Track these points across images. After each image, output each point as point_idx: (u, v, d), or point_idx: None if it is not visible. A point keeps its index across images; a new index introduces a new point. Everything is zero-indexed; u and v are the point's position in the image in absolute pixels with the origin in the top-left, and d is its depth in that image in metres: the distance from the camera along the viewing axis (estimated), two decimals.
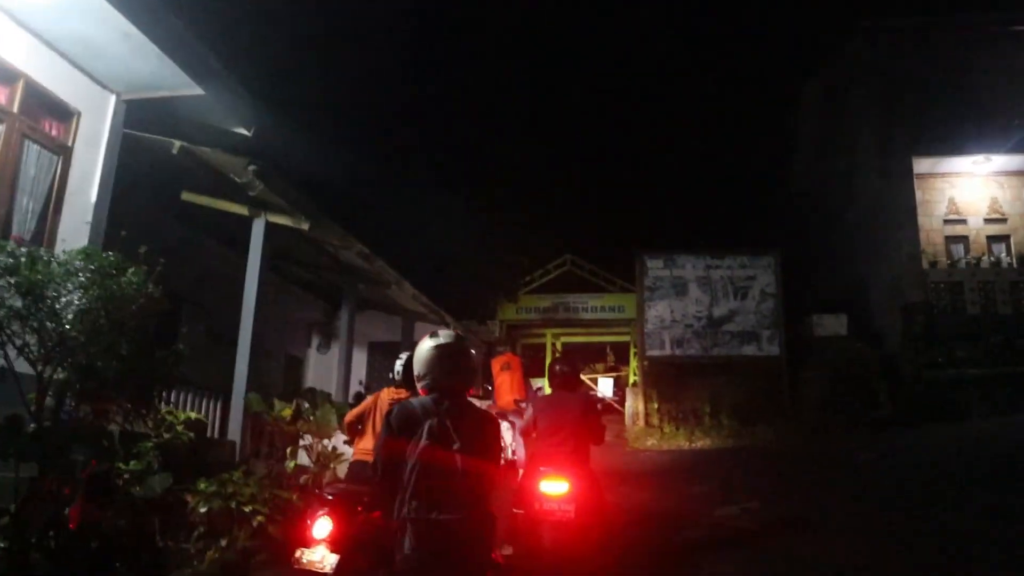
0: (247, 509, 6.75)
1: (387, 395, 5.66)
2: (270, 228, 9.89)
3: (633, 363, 21.48)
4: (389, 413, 3.41)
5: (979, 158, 17.26)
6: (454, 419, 3.40)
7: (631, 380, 21.39)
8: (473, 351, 3.82)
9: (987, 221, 17.94)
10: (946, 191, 18.11)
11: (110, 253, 5.30)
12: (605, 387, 27.92)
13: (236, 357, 9.24)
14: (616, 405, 23.42)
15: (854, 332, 17.30)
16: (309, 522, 4.78)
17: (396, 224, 16.80)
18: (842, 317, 17.62)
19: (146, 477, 7.02)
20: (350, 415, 5.85)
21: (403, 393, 5.58)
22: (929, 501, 8.03)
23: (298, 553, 4.70)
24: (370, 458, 5.37)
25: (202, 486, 6.80)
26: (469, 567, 3.31)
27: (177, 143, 8.30)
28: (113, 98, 8.31)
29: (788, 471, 11.40)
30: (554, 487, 6.09)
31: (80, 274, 4.88)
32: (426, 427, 3.31)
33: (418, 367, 3.59)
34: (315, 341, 17.09)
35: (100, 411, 5.38)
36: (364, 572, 4.85)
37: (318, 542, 4.69)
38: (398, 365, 5.67)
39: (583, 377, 26.65)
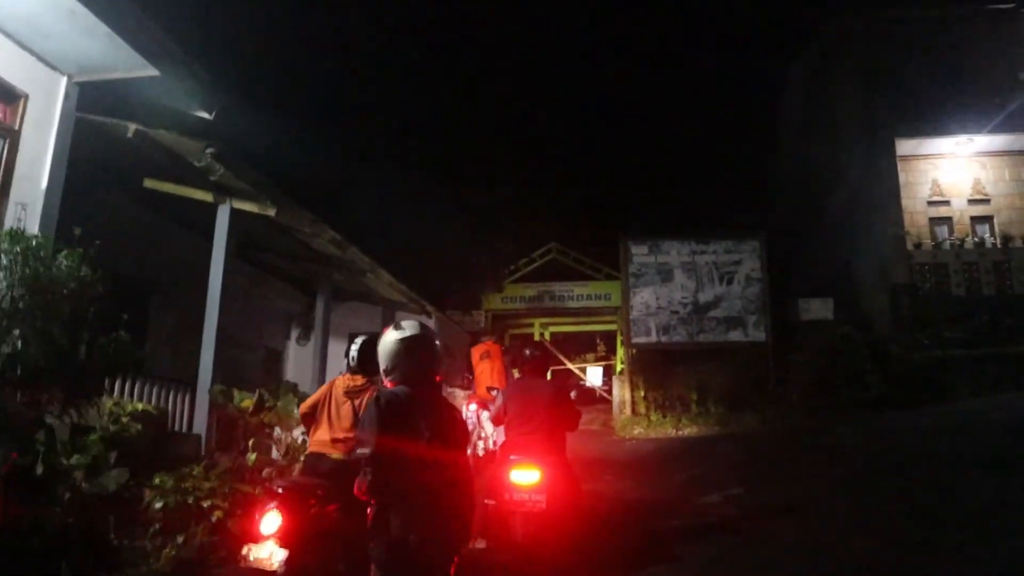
0: (205, 504, 6.46)
1: (341, 382, 5.37)
2: (237, 215, 9.56)
3: (620, 351, 21.24)
4: (378, 402, 3.43)
5: (962, 139, 17.10)
6: (429, 410, 3.52)
7: (618, 369, 21.15)
8: (438, 341, 3.83)
9: (971, 202, 17.81)
10: (929, 172, 17.96)
11: (37, 235, 4.96)
12: (594, 376, 27.76)
13: (201, 348, 8.92)
14: (605, 394, 23.24)
15: (841, 316, 17.11)
16: (257, 517, 4.50)
17: (375, 212, 16.47)
18: (828, 301, 17.43)
19: (100, 472, 6.77)
20: (304, 405, 5.55)
21: (358, 379, 5.31)
22: (916, 484, 7.81)
23: (245, 550, 4.43)
24: (327, 450, 5.12)
25: (157, 481, 6.50)
26: (445, 554, 3.42)
27: (132, 126, 7.97)
28: (64, 80, 7.96)
29: (774, 457, 11.19)
30: (525, 476, 5.83)
31: (2, 256, 4.55)
32: (408, 416, 3.42)
33: (385, 360, 3.63)
34: (294, 333, 16.78)
35: (32, 401, 5.05)
36: (315, 569, 4.59)
37: (267, 538, 4.42)
38: (353, 350, 5.39)
39: (571, 366, 26.47)
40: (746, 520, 7.39)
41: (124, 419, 6.29)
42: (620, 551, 6.38)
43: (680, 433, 15.11)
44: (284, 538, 4.41)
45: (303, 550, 4.47)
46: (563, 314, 23.33)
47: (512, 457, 6.02)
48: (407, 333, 3.66)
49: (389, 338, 3.66)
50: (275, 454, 8.93)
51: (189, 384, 9.41)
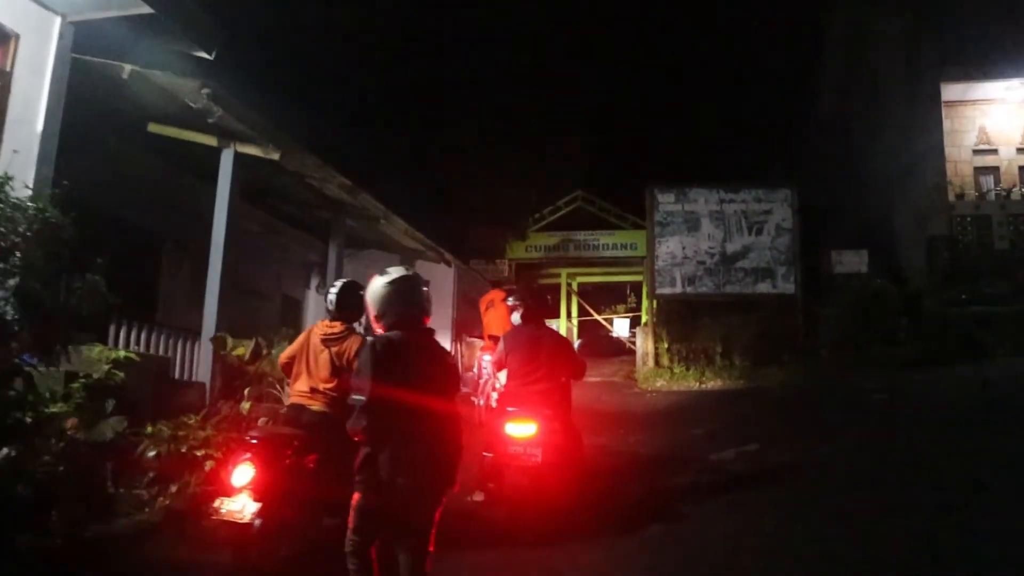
0: (199, 454, 6.39)
1: (319, 330, 5.16)
2: (244, 161, 9.35)
3: (645, 302, 20.87)
4: (373, 348, 3.49)
5: (1014, 83, 16.14)
6: (423, 354, 3.60)
7: (644, 320, 20.81)
8: (425, 288, 3.88)
9: (1019, 151, 16.86)
10: (976, 119, 17.04)
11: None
12: (621, 327, 27.51)
13: (205, 295, 8.81)
14: (632, 345, 22.94)
15: (875, 269, 16.54)
16: (230, 468, 4.36)
17: (393, 157, 16.15)
18: (863, 253, 16.83)
19: (97, 420, 6.73)
20: (283, 355, 5.37)
21: (336, 326, 5.09)
22: (940, 448, 7.44)
23: (217, 502, 4.29)
24: (307, 401, 4.94)
25: (150, 429, 6.44)
26: (437, 489, 3.51)
27: (128, 67, 7.73)
28: (58, 20, 7.68)
29: (795, 413, 10.88)
30: (520, 429, 5.64)
31: None
32: (402, 359, 3.48)
33: (376, 306, 3.69)
34: (314, 282, 16.67)
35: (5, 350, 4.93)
36: (290, 521, 4.45)
37: (239, 490, 4.28)
38: (332, 295, 5.17)
39: (599, 317, 26.20)
40: (755, 479, 7.12)
41: (105, 367, 6.14)
42: (619, 508, 6.18)
43: (703, 386, 14.79)
44: (257, 490, 4.28)
45: (277, 502, 4.33)
46: (590, 264, 22.96)
47: (509, 409, 5.82)
48: (394, 276, 3.71)
49: (377, 283, 3.70)
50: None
51: (198, 333, 9.36)
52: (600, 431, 9.99)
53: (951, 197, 15.90)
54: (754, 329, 15.88)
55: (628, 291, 30.72)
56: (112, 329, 8.70)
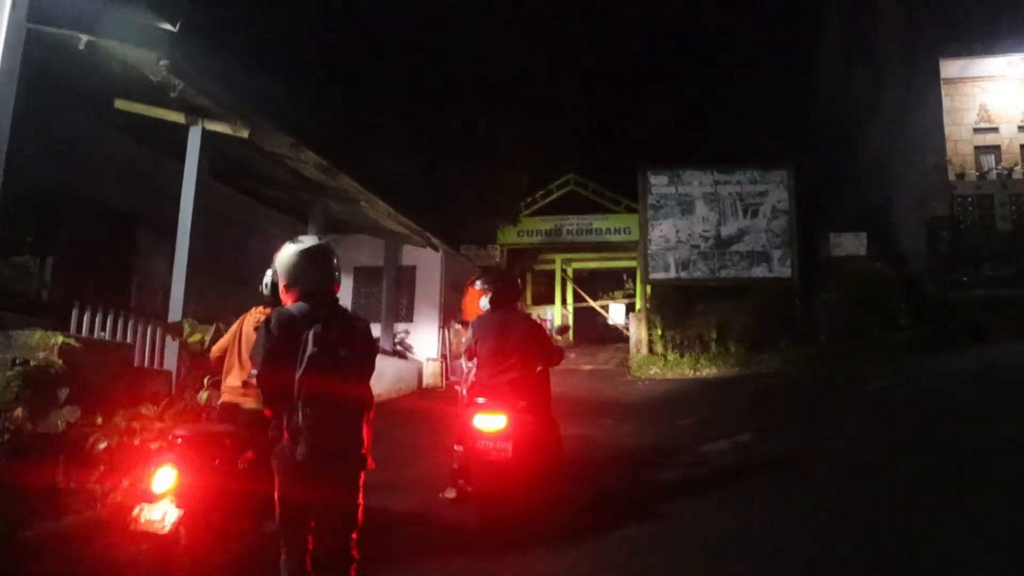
0: (153, 446, 6.00)
1: (253, 316, 4.76)
2: (214, 139, 8.93)
3: (639, 288, 20.46)
4: (268, 321, 3.31)
5: (1015, 58, 15.67)
6: (336, 324, 3.38)
7: (638, 306, 20.42)
8: (336, 259, 3.71)
9: (1021, 129, 16.40)
10: (976, 96, 16.59)
11: None
12: (617, 313, 27.09)
13: (172, 280, 8.41)
14: (627, 332, 22.56)
15: (874, 252, 16.13)
16: (150, 471, 3.95)
17: (381, 140, 15.68)
18: (861, 236, 16.42)
19: (49, 411, 6.37)
20: (215, 348, 4.94)
21: (270, 311, 4.68)
22: (941, 435, 7.07)
23: (136, 510, 3.86)
24: (239, 399, 4.53)
25: (99, 420, 6.06)
26: (354, 467, 3.36)
27: (84, 38, 7.28)
28: None
29: (791, 401, 10.52)
30: (489, 422, 5.23)
31: None
32: (311, 334, 3.24)
33: (288, 275, 3.52)
34: None
35: None
36: (220, 529, 4.06)
37: (160, 496, 3.86)
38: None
39: (594, 304, 25.78)
40: (747, 472, 6.75)
41: (41, 353, 5.74)
42: (599, 506, 5.80)
43: (697, 374, 14.42)
44: (181, 496, 3.86)
45: (204, 509, 3.92)
46: (585, 249, 22.49)
47: (477, 400, 5.43)
48: (306, 244, 3.58)
49: (289, 251, 3.55)
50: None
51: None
52: (586, 422, 9.62)
53: (951, 177, 15.48)
54: (750, 314, 15.51)
55: (625, 277, 30.29)
56: (75, 314, 8.33)
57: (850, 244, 16.33)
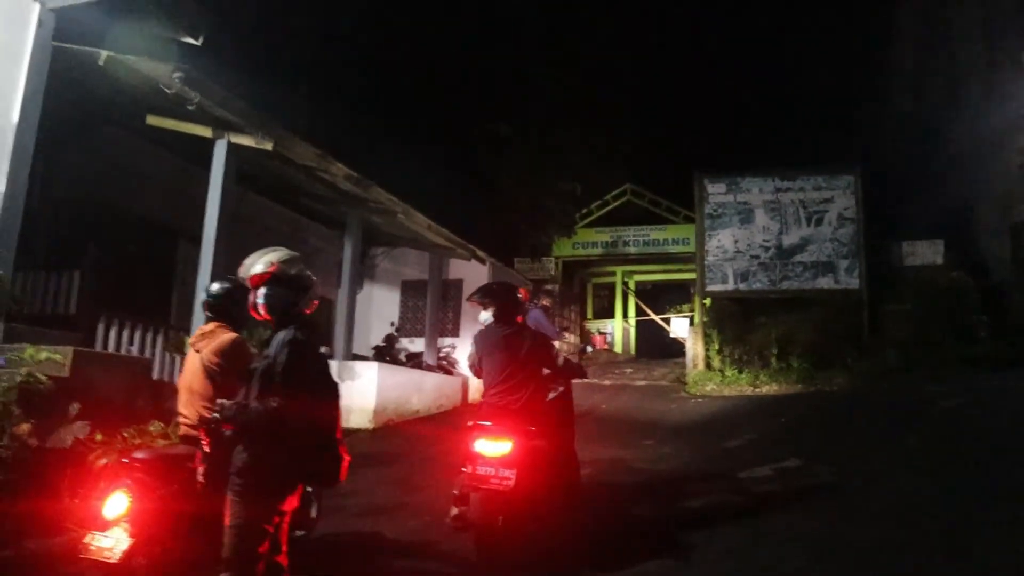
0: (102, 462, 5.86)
1: (192, 340, 4.44)
2: (242, 152, 8.90)
3: (696, 300, 19.69)
4: (310, 344, 3.40)
5: None
6: (314, 350, 3.51)
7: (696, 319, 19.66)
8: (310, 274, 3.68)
9: None
10: None
11: None
12: (679, 327, 26.19)
13: (196, 293, 8.34)
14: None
15: (951, 260, 15.02)
16: (102, 497, 3.71)
17: (422, 149, 15.51)
18: (938, 244, 15.34)
19: (57, 427, 6.31)
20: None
21: (209, 327, 4.36)
22: (1011, 468, 6.29)
23: (88, 537, 3.64)
24: (195, 431, 4.23)
25: (99, 437, 5.95)
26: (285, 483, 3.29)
27: (104, 53, 7.28)
28: (37, 7, 7.34)
29: (850, 422, 9.76)
30: (492, 447, 4.82)
31: None
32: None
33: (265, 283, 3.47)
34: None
35: None
36: (179, 557, 3.78)
37: (111, 523, 3.63)
38: (217, 288, 4.47)
39: (656, 317, 25.04)
40: (787, 502, 6.15)
41: (21, 371, 5.63)
42: (614, 539, 5.32)
43: (757, 391, 13.64)
44: (134, 524, 3.62)
45: (162, 536, 3.67)
46: (646, 261, 21.87)
47: (481, 423, 5.04)
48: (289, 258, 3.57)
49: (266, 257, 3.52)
50: None
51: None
52: (625, 442, 9.13)
53: None
54: (814, 328, 14.63)
55: (691, 290, 29.43)
56: (101, 328, 8.35)
57: (925, 252, 15.29)
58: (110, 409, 6.78)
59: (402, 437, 10.29)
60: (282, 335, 3.33)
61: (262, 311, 3.45)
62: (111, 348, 8.34)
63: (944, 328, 13.25)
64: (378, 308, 16.05)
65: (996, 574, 4.19)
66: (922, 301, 13.80)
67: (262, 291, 3.44)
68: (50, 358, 5.67)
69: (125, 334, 8.51)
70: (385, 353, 13.47)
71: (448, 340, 14.98)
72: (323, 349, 3.84)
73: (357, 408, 10.55)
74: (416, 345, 14.66)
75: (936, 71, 17.18)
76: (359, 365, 10.96)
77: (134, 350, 8.60)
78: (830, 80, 20.51)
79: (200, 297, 8.47)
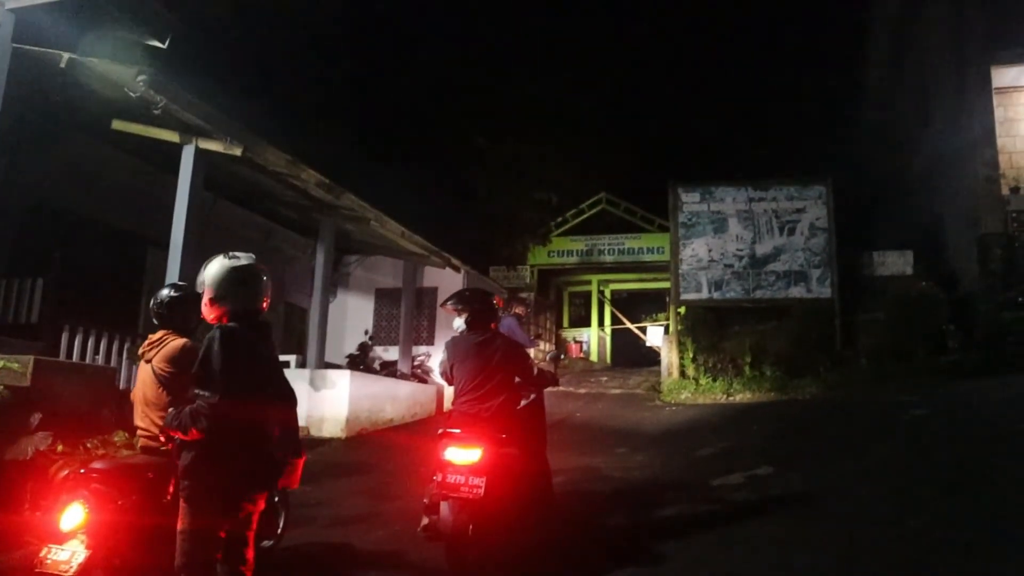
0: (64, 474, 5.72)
1: (141, 350, 4.35)
2: (212, 159, 8.81)
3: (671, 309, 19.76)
4: (225, 339, 3.19)
5: None
6: (263, 349, 3.41)
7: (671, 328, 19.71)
8: (266, 278, 3.58)
9: None
10: None
11: None
12: (655, 336, 26.27)
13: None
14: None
15: (922, 271, 15.20)
16: (58, 508, 3.62)
17: (397, 158, 15.46)
18: (907, 254, 15.53)
19: (19, 437, 6.17)
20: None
21: (156, 335, 4.28)
22: (981, 473, 6.34)
23: (44, 551, 3.54)
24: (155, 442, 4.14)
25: (60, 448, 5.81)
26: (249, 495, 3.22)
27: (65, 55, 7.16)
28: None
29: (822, 430, 9.79)
30: (462, 455, 4.76)
31: None
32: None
33: (215, 287, 3.40)
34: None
35: None
36: (138, 570, 3.68)
37: (68, 536, 3.54)
38: (156, 301, 4.37)
39: (631, 326, 25.10)
40: (759, 509, 6.14)
41: None
42: (586, 548, 5.28)
43: (730, 399, 13.69)
44: (92, 536, 3.53)
45: (115, 548, 3.57)
46: (621, 270, 21.95)
47: (450, 431, 4.98)
48: (242, 262, 3.46)
49: (221, 265, 3.43)
50: None
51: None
52: (598, 451, 9.10)
53: (1004, 191, 14.48)
54: (787, 337, 14.72)
55: (667, 299, 29.58)
56: (65, 337, 8.17)
57: (895, 263, 15.46)
58: (73, 419, 6.65)
59: (375, 446, 10.18)
60: (207, 335, 3.27)
61: (207, 317, 3.44)
62: (76, 357, 8.16)
63: (915, 337, 13.37)
64: (352, 316, 15.94)
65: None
66: (893, 311, 13.93)
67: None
68: (7, 367, 5.51)
69: (91, 343, 8.33)
70: (359, 362, 13.36)
71: (423, 348, 14.89)
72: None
73: (329, 417, 10.44)
74: (391, 353, 14.56)
75: (906, 84, 17.46)
76: (331, 374, 10.84)
77: (100, 359, 8.42)
78: (803, 92, 20.78)
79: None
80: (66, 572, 3.41)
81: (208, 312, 3.45)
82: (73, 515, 3.56)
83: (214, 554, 3.09)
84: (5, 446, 6.08)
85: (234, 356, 3.17)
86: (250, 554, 3.18)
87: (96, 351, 8.34)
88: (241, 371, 3.18)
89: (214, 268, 3.45)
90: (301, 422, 10.23)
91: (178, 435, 3.14)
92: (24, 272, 8.51)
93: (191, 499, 3.10)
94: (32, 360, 6.41)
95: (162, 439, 3.38)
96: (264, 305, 3.51)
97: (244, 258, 3.49)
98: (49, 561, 3.47)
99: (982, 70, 14.82)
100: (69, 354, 8.07)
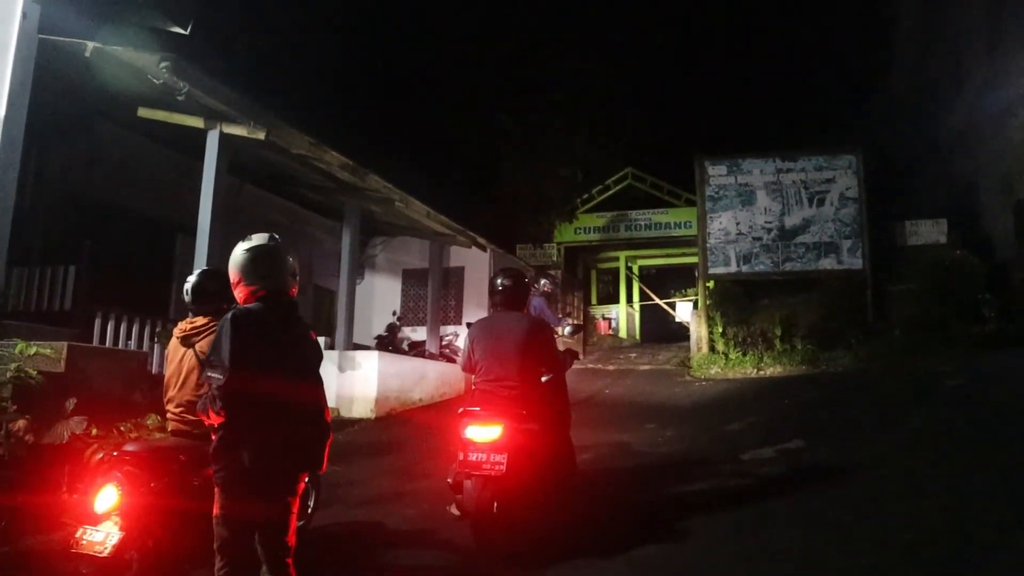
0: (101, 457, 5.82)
1: (179, 330, 4.41)
2: (236, 142, 8.85)
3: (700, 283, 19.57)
4: (235, 321, 3.18)
5: None
6: (285, 328, 3.36)
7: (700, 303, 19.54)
8: (291, 257, 3.54)
9: None
10: None
11: None
12: (684, 311, 26.11)
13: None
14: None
15: (956, 240, 14.87)
16: (93, 490, 3.69)
17: (422, 138, 15.42)
18: (941, 223, 15.20)
19: (55, 422, 6.29)
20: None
21: (199, 320, 4.33)
22: (1015, 446, 6.22)
23: (79, 532, 3.62)
24: (184, 425, 4.20)
25: (95, 431, 5.92)
26: (286, 480, 3.21)
27: (91, 45, 7.21)
28: None
29: (855, 402, 9.68)
30: (482, 433, 4.77)
31: None
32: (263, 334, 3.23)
33: (235, 273, 3.40)
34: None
35: None
36: (169, 552, 3.76)
37: (102, 517, 3.61)
38: (187, 286, 4.43)
39: (660, 301, 24.94)
40: (790, 484, 6.09)
41: (12, 366, 5.60)
42: (613, 524, 5.28)
43: (760, 373, 13.58)
44: (125, 517, 3.60)
45: (148, 529, 3.64)
46: (649, 246, 21.74)
47: (470, 409, 4.98)
48: (254, 243, 3.44)
49: (237, 250, 3.44)
50: None
51: None
52: (627, 427, 9.08)
53: None
54: (818, 309, 14.54)
55: (695, 273, 29.28)
56: (98, 323, 8.32)
57: (928, 232, 15.15)
58: (107, 403, 6.77)
59: (405, 426, 10.27)
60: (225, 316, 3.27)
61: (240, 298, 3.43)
62: (108, 343, 8.31)
63: (949, 308, 13.12)
64: (380, 298, 16.03)
65: (1009, 552, 4.12)
66: (927, 281, 13.66)
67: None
68: (40, 352, 5.62)
69: (123, 328, 8.48)
70: (388, 343, 13.44)
71: (451, 328, 14.93)
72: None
73: (359, 398, 10.53)
74: (419, 334, 14.62)
75: (939, 49, 16.97)
76: (360, 355, 10.92)
77: (132, 344, 8.57)
78: (832, 60, 20.29)
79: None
80: (100, 553, 3.48)
81: (238, 296, 3.46)
82: (107, 497, 3.63)
83: (250, 539, 3.10)
84: (42, 431, 6.20)
85: (241, 337, 3.14)
86: (291, 540, 3.16)
87: (128, 336, 8.48)
88: (251, 351, 3.15)
89: (234, 253, 3.47)
90: (331, 403, 10.39)
91: (204, 419, 3.17)
92: (57, 260, 8.66)
93: (223, 483, 3.11)
94: (66, 346, 6.52)
95: (206, 422, 3.38)
96: (288, 283, 3.45)
97: (257, 239, 3.47)
98: (84, 542, 3.55)
99: (1018, 31, 14.34)
100: (102, 339, 8.22)
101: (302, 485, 3.29)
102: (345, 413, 10.40)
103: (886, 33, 19.88)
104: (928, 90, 17.58)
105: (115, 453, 3.92)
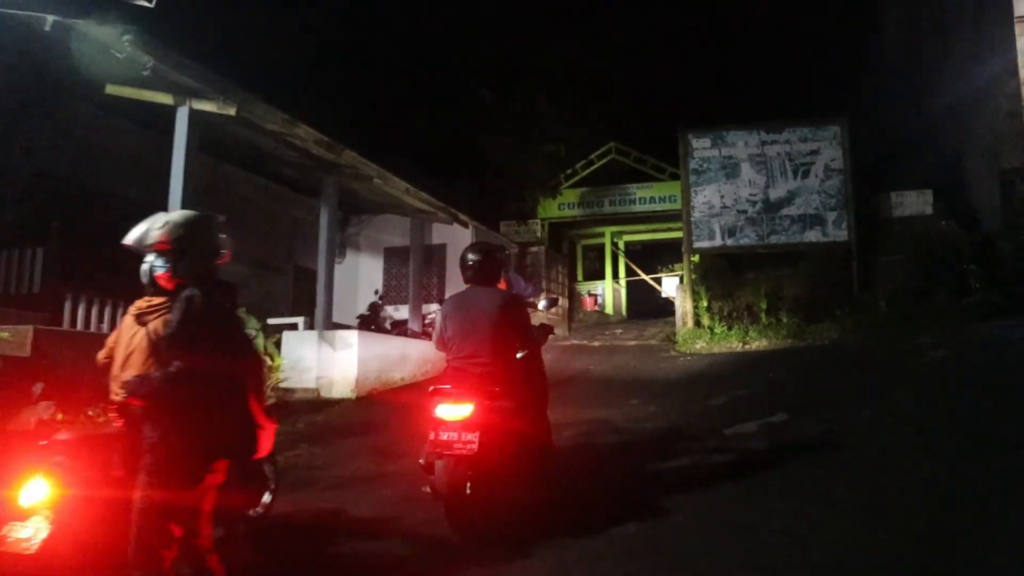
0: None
1: (134, 308, 4.17)
2: (207, 119, 8.61)
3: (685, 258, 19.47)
4: (191, 302, 3.11)
5: None
6: (220, 310, 3.32)
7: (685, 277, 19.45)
8: (223, 235, 3.53)
9: None
10: None
11: None
12: (670, 287, 26.06)
13: None
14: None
15: (942, 211, 14.81)
16: (18, 484, 3.46)
17: (405, 115, 15.18)
18: (927, 193, 15.13)
19: (22, 407, 6.12)
20: (101, 354, 4.29)
21: (157, 300, 4.11)
22: (998, 417, 6.16)
23: (6, 528, 3.39)
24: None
25: (60, 416, 5.77)
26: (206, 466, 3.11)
27: (50, 18, 6.94)
28: None
29: (839, 375, 9.62)
30: (453, 411, 4.63)
31: None
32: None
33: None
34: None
35: None
36: (102, 548, 3.54)
37: (30, 512, 3.40)
38: (146, 267, 4.20)
39: (646, 277, 24.86)
40: (772, 458, 6.01)
41: None
42: (591, 502, 5.18)
43: (746, 347, 13.52)
44: (55, 511, 3.39)
45: (81, 524, 3.43)
46: (633, 221, 21.59)
47: (441, 387, 4.83)
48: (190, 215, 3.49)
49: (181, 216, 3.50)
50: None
51: None
52: (611, 402, 8.99)
53: None
54: (803, 282, 14.50)
55: (682, 249, 29.17)
56: (68, 307, 8.13)
57: (914, 203, 15.08)
58: (76, 388, 6.60)
59: (385, 406, 10.13)
60: (181, 295, 3.13)
61: (163, 281, 3.28)
62: (80, 326, 8.12)
63: (935, 278, 13.08)
64: (363, 277, 15.86)
65: (987, 524, 4.05)
66: (913, 252, 13.63)
67: (159, 261, 3.27)
68: (0, 337, 5.43)
69: (94, 311, 8.28)
70: (370, 322, 13.29)
71: (434, 306, 14.77)
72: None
73: (339, 378, 10.39)
74: (401, 312, 14.49)
75: (925, 20, 16.80)
76: (340, 334, 10.77)
77: (104, 327, 8.38)
78: (817, 33, 20.11)
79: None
80: (28, 550, 3.26)
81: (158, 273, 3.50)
82: (35, 489, 3.41)
83: (167, 528, 2.97)
84: (7, 418, 6.04)
85: (198, 322, 3.11)
86: (207, 529, 3.07)
87: (100, 319, 8.29)
88: (205, 337, 3.11)
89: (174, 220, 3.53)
90: (311, 384, 10.26)
91: (134, 402, 3.09)
92: (24, 242, 8.44)
93: (153, 475, 3.01)
94: (31, 330, 6.34)
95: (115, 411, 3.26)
96: (216, 259, 3.41)
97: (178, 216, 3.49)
98: (10, 539, 3.32)
99: (1002, 2, 14.19)
100: (73, 323, 8.04)
101: (219, 476, 3.14)
102: (325, 394, 10.27)
103: (872, 4, 19.68)
104: (914, 61, 17.44)
105: (43, 442, 3.69)
